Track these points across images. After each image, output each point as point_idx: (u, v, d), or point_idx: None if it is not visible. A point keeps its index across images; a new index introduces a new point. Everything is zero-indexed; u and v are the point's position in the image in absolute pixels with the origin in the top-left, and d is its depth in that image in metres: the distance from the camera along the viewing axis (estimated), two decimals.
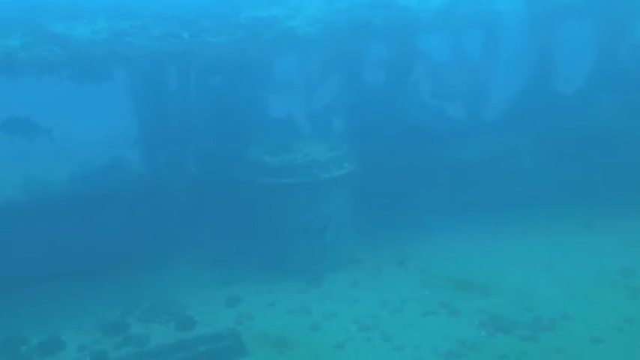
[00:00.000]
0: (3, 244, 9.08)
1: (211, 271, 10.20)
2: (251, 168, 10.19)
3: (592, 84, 12.11)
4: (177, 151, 10.52)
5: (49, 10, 10.13)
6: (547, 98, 12.16)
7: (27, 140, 9.26)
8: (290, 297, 9.20)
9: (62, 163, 10.83)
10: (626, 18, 11.72)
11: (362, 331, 8.02)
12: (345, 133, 10.90)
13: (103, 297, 9.41)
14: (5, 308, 8.99)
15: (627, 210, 10.59)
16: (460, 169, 11.46)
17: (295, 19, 10.76)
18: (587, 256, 9.58)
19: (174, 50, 9.24)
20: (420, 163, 11.20)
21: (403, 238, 10.60)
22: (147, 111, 9.96)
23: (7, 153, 10.48)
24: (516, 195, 11.29)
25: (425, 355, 7.28)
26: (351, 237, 10.32)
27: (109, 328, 8.66)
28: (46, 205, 9.90)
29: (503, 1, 11.55)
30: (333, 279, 9.66)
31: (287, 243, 9.96)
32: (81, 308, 9.12)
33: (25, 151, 9.92)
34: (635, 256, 9.35)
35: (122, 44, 8.87)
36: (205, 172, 10.55)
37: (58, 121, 9.36)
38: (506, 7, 11.64)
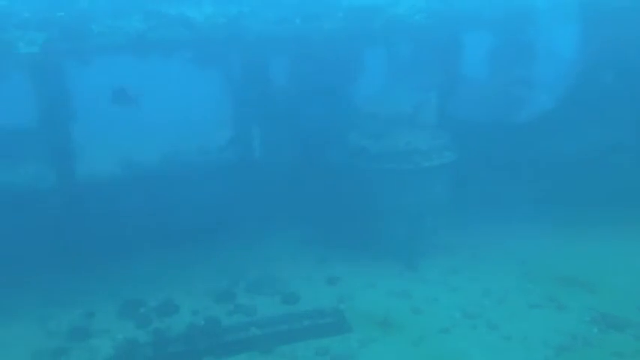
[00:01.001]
0: (124, 214, 9.80)
1: (309, 250, 10.55)
2: (351, 152, 10.42)
3: None
4: (282, 133, 10.94)
5: None
6: None
7: (141, 117, 9.89)
8: (389, 279, 9.41)
9: (181, 139, 11.48)
10: None
11: (466, 319, 8.13)
12: (444, 122, 10.92)
13: (210, 267, 9.97)
14: (123, 273, 9.73)
15: None
16: (560, 163, 11.24)
17: (398, 7, 10.81)
18: None
19: (288, 35, 9.53)
20: (520, 156, 11.08)
21: (500, 229, 10.56)
22: (256, 93, 10.35)
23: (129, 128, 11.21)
24: (617, 192, 10.97)
25: (535, 346, 7.32)
26: (448, 225, 10.39)
27: (218, 296, 9.18)
28: (160, 180, 10.59)
29: None
30: (429, 265, 9.79)
31: (385, 227, 10.17)
32: (190, 276, 9.70)
33: (146, 127, 10.54)
34: None
35: (240, 28, 9.23)
36: (306, 155, 10.91)
37: (173, 101, 9.88)
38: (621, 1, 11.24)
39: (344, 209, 10.65)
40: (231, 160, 10.85)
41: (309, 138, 10.94)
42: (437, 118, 11.02)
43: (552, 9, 10.87)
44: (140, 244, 9.89)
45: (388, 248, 10.07)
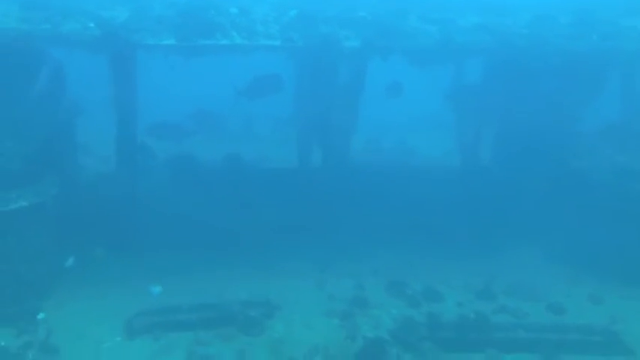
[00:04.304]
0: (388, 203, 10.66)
1: (559, 264, 10.52)
2: (618, 172, 10.20)
3: None
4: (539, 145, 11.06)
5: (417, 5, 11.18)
6: None
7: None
8: None
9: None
10: None
11: None
12: None
13: (462, 264, 10.33)
14: (385, 255, 10.54)
15: None
16: None
17: None
18: None
19: (584, 50, 9.61)
20: None
21: None
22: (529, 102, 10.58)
23: None
24: None
25: None
26: None
27: (478, 293, 9.52)
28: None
29: None
30: None
31: None
32: (446, 269, 10.15)
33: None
34: None
35: (541, 39, 9.49)
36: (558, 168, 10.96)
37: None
38: None
39: (599, 228, 10.45)
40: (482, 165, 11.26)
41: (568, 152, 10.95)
42: None
43: None
44: (399, 231, 10.71)
45: None
